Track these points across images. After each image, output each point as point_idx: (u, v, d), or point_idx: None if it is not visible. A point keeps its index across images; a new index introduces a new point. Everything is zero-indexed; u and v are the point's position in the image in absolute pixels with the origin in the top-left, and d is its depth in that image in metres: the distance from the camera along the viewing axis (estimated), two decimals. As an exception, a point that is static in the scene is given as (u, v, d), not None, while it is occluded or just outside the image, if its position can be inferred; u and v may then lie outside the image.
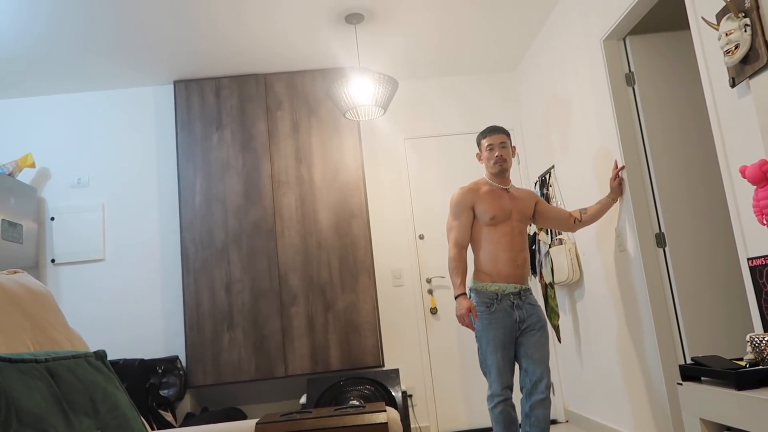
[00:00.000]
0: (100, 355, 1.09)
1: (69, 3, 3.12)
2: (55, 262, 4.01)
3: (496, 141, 2.89)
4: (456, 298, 2.74)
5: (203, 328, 3.77)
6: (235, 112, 4.05)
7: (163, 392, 3.67)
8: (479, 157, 2.98)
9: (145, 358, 3.91)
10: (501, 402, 2.70)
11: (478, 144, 2.97)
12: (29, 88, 4.09)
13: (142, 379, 3.65)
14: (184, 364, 3.88)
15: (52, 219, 4.06)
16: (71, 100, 4.24)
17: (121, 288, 4.02)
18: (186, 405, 3.93)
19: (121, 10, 3.23)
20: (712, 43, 2.21)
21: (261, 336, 3.78)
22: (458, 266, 2.78)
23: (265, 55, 3.90)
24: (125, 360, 3.68)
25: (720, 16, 2.10)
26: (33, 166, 3.95)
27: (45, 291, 1.26)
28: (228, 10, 3.32)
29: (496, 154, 2.87)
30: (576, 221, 3.02)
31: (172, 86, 4.28)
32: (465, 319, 2.71)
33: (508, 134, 2.94)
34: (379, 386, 3.58)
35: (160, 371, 3.73)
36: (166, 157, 4.22)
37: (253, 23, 3.50)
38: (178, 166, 3.96)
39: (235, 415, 3.76)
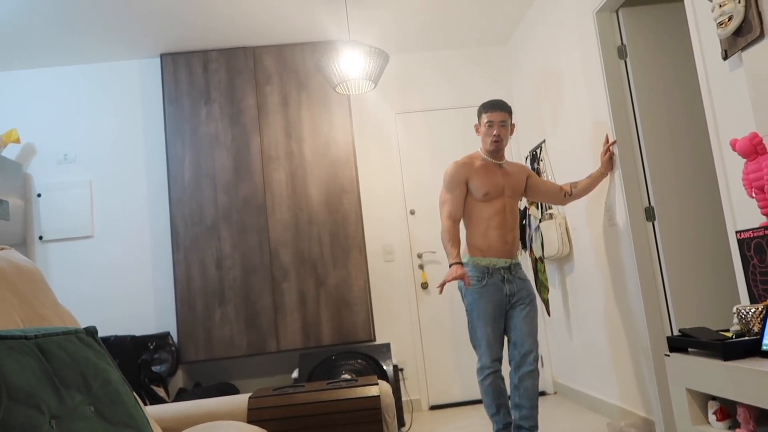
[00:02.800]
0: (91, 331, 1.09)
1: (50, -27, 3.04)
2: (43, 239, 3.97)
3: (497, 119, 2.87)
4: (451, 265, 2.74)
5: (194, 305, 3.77)
6: (224, 86, 3.99)
7: (155, 368, 3.68)
8: (477, 129, 2.95)
9: (137, 334, 3.92)
10: (491, 374, 2.74)
11: (479, 116, 2.94)
12: (11, 62, 4.00)
13: (134, 355, 3.66)
14: (175, 340, 3.89)
15: (39, 195, 4.01)
16: (56, 74, 4.15)
17: (110, 265, 4.00)
18: (178, 380, 3.96)
19: (104, -20, 3.14)
20: (705, 14, 2.20)
21: (253, 312, 3.79)
22: (452, 237, 2.77)
23: (255, 26, 3.83)
24: (116, 336, 3.69)
25: (714, -13, 2.08)
26: (18, 141, 3.88)
27: (33, 268, 1.25)
28: (214, -20, 3.25)
29: (494, 132, 2.85)
30: (567, 195, 3.03)
31: (158, 59, 4.21)
32: (451, 277, 2.66)
33: (510, 112, 2.91)
34: (370, 360, 3.61)
35: (151, 347, 3.74)
36: (153, 132, 4.16)
37: (240, -5, 3.42)
38: (166, 142, 3.91)
39: (228, 390, 3.79)
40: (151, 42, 3.91)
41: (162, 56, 4.00)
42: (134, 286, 4.00)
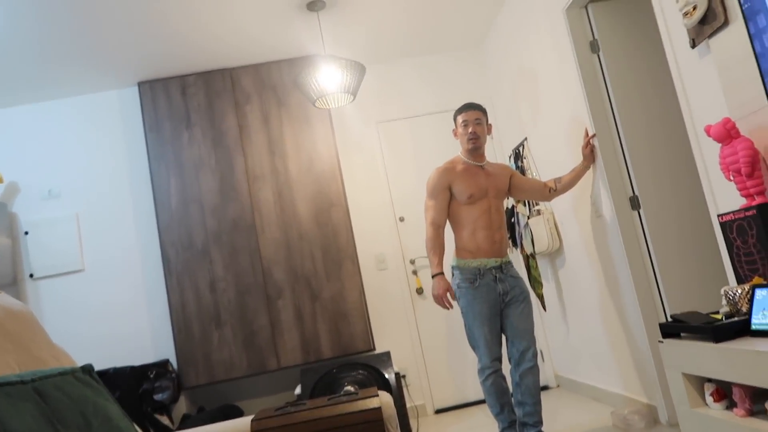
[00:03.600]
0: (87, 369, 1.09)
1: (22, 11, 3.04)
2: (34, 276, 3.95)
3: (471, 117, 2.91)
4: (433, 277, 2.77)
5: (191, 329, 3.76)
6: (204, 109, 4.00)
7: (157, 396, 3.66)
8: (455, 133, 2.99)
9: (135, 364, 3.90)
10: (491, 374, 2.76)
11: (455, 120, 2.99)
12: (-11, 102, 3.99)
13: (135, 385, 3.64)
14: (175, 366, 3.87)
15: (26, 233, 3.99)
16: (34, 110, 4.14)
17: (104, 297, 3.98)
18: (182, 407, 3.94)
19: (76, 15, 3.15)
20: (670, 5, 2.24)
21: (250, 332, 3.79)
22: (435, 246, 2.81)
23: (230, 49, 3.85)
24: (115, 369, 3.67)
25: (675, -22, 2.13)
26: (0, 181, 3.86)
27: (25, 310, 1.25)
28: (179, 6, 3.26)
29: (470, 130, 2.89)
30: (551, 191, 3.06)
31: (136, 88, 4.21)
32: (442, 299, 2.76)
33: (484, 111, 2.95)
34: (372, 370, 3.62)
35: (152, 376, 3.72)
36: (137, 161, 4.16)
37: (215, 17, 3.44)
38: (150, 169, 3.91)
39: (232, 412, 3.78)
40: (128, 71, 3.91)
41: (140, 84, 4.01)
42: (129, 316, 3.98)
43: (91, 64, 3.74)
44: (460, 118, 2.94)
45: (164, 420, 3.64)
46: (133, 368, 3.69)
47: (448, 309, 2.82)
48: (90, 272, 4.00)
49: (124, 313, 3.98)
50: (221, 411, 3.71)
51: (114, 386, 3.59)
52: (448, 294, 2.77)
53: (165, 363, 3.81)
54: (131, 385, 3.62)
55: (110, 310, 3.97)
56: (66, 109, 4.17)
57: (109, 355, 3.92)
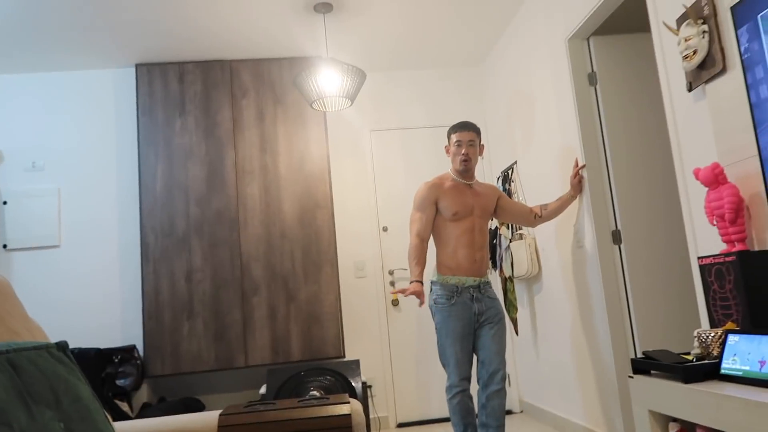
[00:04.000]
0: (62, 346, 1.07)
1: (26, -21, 3.01)
2: (7, 247, 3.87)
3: (465, 138, 2.93)
4: (411, 282, 2.78)
5: (162, 317, 3.71)
6: (199, 99, 3.98)
7: (120, 382, 3.60)
8: (447, 149, 3.01)
9: (102, 347, 3.83)
10: (459, 393, 2.76)
11: (448, 137, 3.00)
12: (-19, 66, 3.92)
13: (99, 368, 3.58)
14: (141, 353, 3.81)
15: (5, 203, 3.91)
16: (27, 81, 4.08)
17: (77, 275, 3.91)
18: (142, 395, 3.87)
19: (81, -12, 3.12)
20: (671, 47, 2.29)
21: (221, 326, 3.75)
22: (418, 255, 2.82)
23: (232, 40, 3.84)
24: (81, 349, 3.60)
25: (680, 21, 2.18)
26: (-16, 147, 3.79)
27: (3, 280, 1.23)
28: (194, -7, 3.25)
29: (463, 151, 2.91)
30: (536, 216, 3.09)
31: (133, 69, 4.17)
32: (408, 293, 2.74)
33: (478, 132, 2.98)
34: (339, 377, 3.60)
35: (116, 360, 3.66)
36: (126, 143, 4.11)
37: (222, 6, 3.43)
38: (138, 152, 3.87)
39: (193, 405, 3.73)
40: (127, 52, 3.88)
41: (137, 66, 3.97)
42: (101, 298, 3.92)
43: (90, 41, 3.70)
44: (454, 137, 2.96)
45: (124, 406, 3.58)
46: (98, 351, 3.63)
47: (421, 302, 2.78)
48: (65, 249, 3.94)
49: (95, 294, 3.91)
50: (182, 403, 3.66)
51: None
52: (414, 296, 2.77)
53: (131, 349, 3.75)
54: (95, 368, 3.55)
55: (82, 289, 3.91)
56: (60, 83, 4.11)
57: (76, 334, 3.85)
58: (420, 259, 2.82)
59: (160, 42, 3.76)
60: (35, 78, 4.09)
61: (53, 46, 3.74)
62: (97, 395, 3.51)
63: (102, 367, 3.61)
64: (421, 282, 2.78)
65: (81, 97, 4.12)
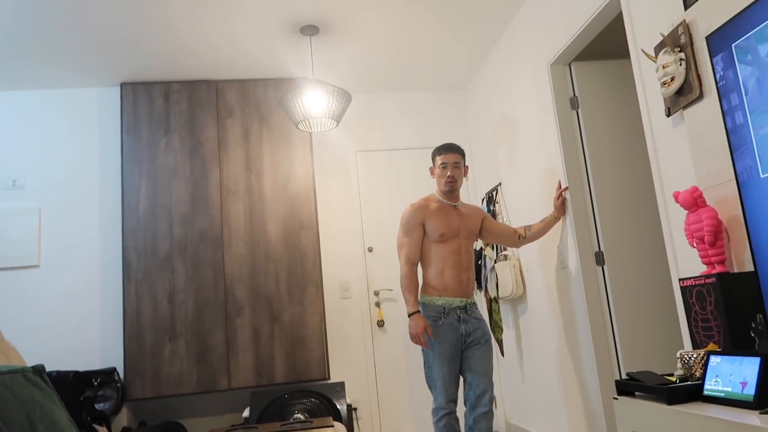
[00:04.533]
0: (39, 370, 1.05)
1: (11, -2, 3.00)
2: (-15, 267, 3.80)
3: (450, 160, 2.95)
4: (410, 315, 2.76)
5: (143, 339, 3.65)
6: (184, 118, 3.97)
7: (99, 405, 3.53)
8: (432, 171, 3.03)
9: (80, 369, 3.75)
10: (445, 415, 2.74)
11: (433, 159, 3.02)
12: (-37, 84, 3.89)
13: (77, 391, 3.50)
14: (122, 376, 3.74)
15: (-17, 222, 3.85)
16: (7, 99, 4.04)
17: (56, 296, 3.85)
18: (123, 419, 3.79)
19: (65, 4, 3.12)
20: (650, 73, 2.34)
21: (204, 348, 3.70)
22: (410, 283, 2.81)
23: (218, 61, 3.85)
24: (59, 372, 3.52)
25: (658, 49, 2.23)
26: (-36, 166, 3.74)
27: (-21, 302, 1.20)
28: (184, 12, 3.27)
29: (448, 173, 2.93)
30: (521, 237, 3.11)
31: (118, 88, 4.16)
32: (420, 338, 2.73)
33: (462, 154, 3.00)
34: (324, 399, 3.56)
35: (96, 384, 3.58)
36: (109, 162, 4.08)
37: (207, 28, 3.45)
38: (122, 171, 3.84)
39: (174, 429, 3.65)
40: (112, 71, 3.87)
41: (122, 85, 3.96)
42: (80, 319, 3.85)
43: (74, 59, 3.69)
44: (439, 159, 2.98)
45: (103, 431, 3.49)
46: (77, 373, 3.55)
47: (426, 347, 2.78)
48: (45, 269, 3.87)
49: (75, 316, 3.84)
50: (163, 427, 3.59)
51: (56, 391, 3.43)
52: (425, 332, 2.74)
53: (111, 371, 3.68)
54: (73, 391, 3.47)
55: (61, 310, 3.84)
56: (42, 101, 4.08)
57: (55, 356, 3.77)
58: (413, 287, 2.81)
59: (145, 62, 3.77)
60: (17, 95, 4.06)
61: (37, 64, 3.72)
62: (76, 420, 3.43)
63: (80, 391, 3.53)
64: (420, 311, 2.77)
65: (64, 115, 4.09)
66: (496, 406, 4.24)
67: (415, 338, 2.74)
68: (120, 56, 3.68)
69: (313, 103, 3.36)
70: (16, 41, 3.40)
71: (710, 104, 2.00)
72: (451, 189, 2.94)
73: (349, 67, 4.12)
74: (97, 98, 4.14)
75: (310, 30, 3.52)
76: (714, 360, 1.66)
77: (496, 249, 3.99)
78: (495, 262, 3.93)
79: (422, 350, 2.85)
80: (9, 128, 4.01)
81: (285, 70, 4.08)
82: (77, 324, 3.84)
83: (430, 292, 2.87)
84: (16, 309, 3.79)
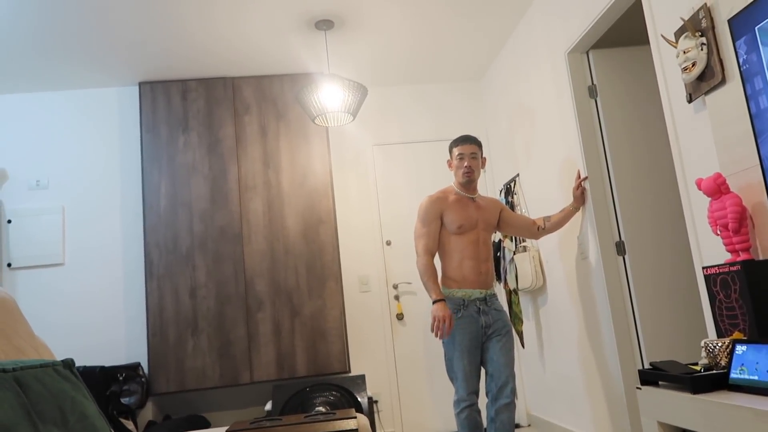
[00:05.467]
0: (68, 363, 1.08)
1: (29, 0, 3.05)
2: (12, 266, 3.88)
3: (467, 151, 2.94)
4: (434, 303, 2.74)
5: (166, 334, 3.71)
6: (202, 116, 4.01)
7: (124, 400, 3.59)
8: (450, 164, 3.02)
9: (106, 365, 3.82)
10: (467, 407, 2.74)
11: (450, 151, 3.01)
12: (-14, 87, 3.96)
13: (103, 386, 3.57)
14: (146, 371, 3.80)
15: (9, 222, 3.93)
16: (30, 100, 4.12)
17: (81, 293, 3.92)
18: (147, 413, 3.86)
19: (84, 8, 3.16)
20: (670, 59, 2.31)
21: (226, 342, 3.74)
22: (431, 272, 2.80)
23: (234, 58, 3.87)
24: (85, 367, 3.59)
25: (678, 34, 2.19)
26: (-11, 166, 3.82)
27: (9, 298, 1.23)
28: (197, 11, 3.29)
29: (465, 164, 2.92)
30: (540, 229, 3.09)
31: (137, 87, 4.21)
32: (443, 322, 2.67)
33: (479, 145, 2.99)
34: (345, 392, 3.58)
35: (121, 378, 3.65)
36: (130, 160, 4.14)
37: (222, 26, 3.47)
38: (142, 169, 3.89)
39: (199, 422, 3.71)
40: (130, 70, 3.92)
41: (140, 84, 4.01)
42: (105, 315, 3.91)
43: (93, 60, 3.74)
44: (456, 151, 2.97)
45: (129, 425, 3.56)
46: (103, 368, 3.62)
47: (444, 338, 2.74)
48: (70, 267, 3.94)
49: (99, 312, 3.91)
50: (188, 421, 3.64)
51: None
52: (445, 324, 2.69)
53: (136, 366, 3.74)
54: (99, 386, 3.54)
55: (86, 307, 3.91)
56: (63, 102, 4.15)
57: (81, 352, 3.84)
58: (433, 275, 2.79)
59: (162, 61, 3.80)
60: (40, 97, 4.13)
61: (58, 66, 3.78)
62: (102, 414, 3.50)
63: (107, 385, 3.59)
64: (443, 300, 2.74)
65: (85, 115, 4.15)
66: (517, 398, 4.23)
67: (440, 320, 2.67)
68: (137, 56, 3.72)
69: (329, 97, 3.37)
70: (37, 45, 3.46)
71: (733, 89, 1.96)
72: (469, 180, 2.93)
73: (364, 60, 4.12)
74: (117, 98, 4.19)
75: (324, 24, 3.52)
76: (740, 348, 1.64)
77: (515, 240, 3.97)
78: (514, 254, 3.91)
79: (443, 343, 2.85)
80: (32, 129, 4.08)
81: (301, 66, 4.09)
82: (102, 320, 3.91)
83: (449, 285, 2.86)
84: (43, 306, 3.87)
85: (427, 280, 2.79)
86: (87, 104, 4.17)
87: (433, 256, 2.86)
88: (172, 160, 3.92)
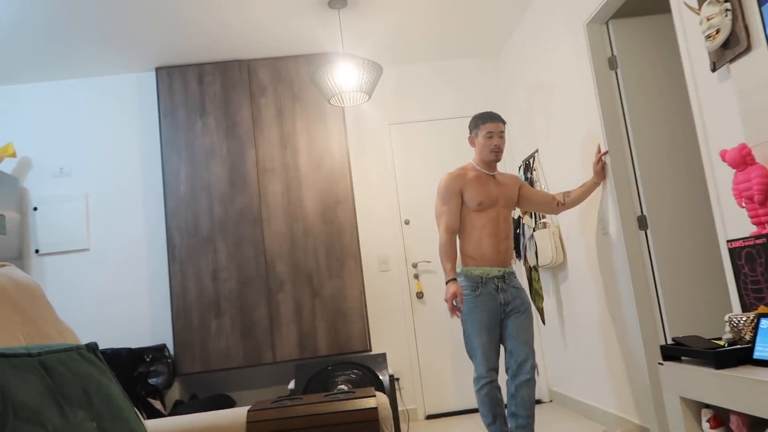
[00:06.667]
0: (92, 347, 1.10)
1: (46, -12, 3.06)
2: (39, 252, 3.97)
3: (497, 129, 2.90)
4: (447, 283, 2.77)
5: (190, 316, 3.77)
6: (219, 99, 4.02)
7: (152, 381, 3.67)
8: (471, 140, 2.97)
9: (133, 347, 3.91)
10: (487, 384, 2.75)
11: (475, 127, 2.95)
12: (8, 77, 4.01)
13: (130, 368, 3.65)
14: (172, 352, 3.88)
15: (35, 209, 4.01)
16: (52, 88, 4.17)
17: (107, 277, 4.00)
18: (175, 393, 3.95)
19: (100, -5, 3.17)
20: (693, 27, 2.24)
21: (249, 323, 3.80)
22: (449, 252, 2.80)
23: (249, 40, 3.86)
24: (113, 350, 3.68)
25: (701, 0, 2.12)
26: (14, 155, 3.89)
27: (34, 284, 1.26)
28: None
29: (495, 143, 2.89)
30: (559, 204, 3.06)
31: (154, 73, 4.23)
32: (450, 302, 2.74)
33: (505, 123, 2.95)
34: (366, 371, 3.62)
35: (148, 360, 3.73)
36: (149, 145, 4.18)
37: (236, 8, 3.45)
38: (162, 154, 3.93)
39: (224, 401, 3.79)
40: (147, 56, 3.93)
41: (157, 70, 4.03)
42: (130, 298, 4.00)
43: (111, 46, 3.76)
44: (485, 128, 2.90)
45: (157, 404, 3.65)
46: (130, 350, 3.71)
47: (456, 316, 2.79)
48: (95, 252, 4.02)
49: (125, 295, 3.99)
50: (213, 400, 3.72)
51: (110, 367, 3.60)
52: (456, 299, 2.74)
53: (162, 348, 3.82)
54: (127, 367, 3.63)
55: (112, 291, 3.99)
56: (83, 89, 4.19)
57: (108, 335, 3.94)
58: (451, 255, 2.79)
59: (178, 45, 3.81)
60: (59, 85, 4.17)
61: (75, 54, 3.81)
62: (131, 394, 3.59)
63: (134, 367, 3.68)
64: (455, 279, 2.76)
65: (104, 102, 4.19)
66: (538, 374, 4.23)
67: (450, 297, 2.73)
68: (153, 41, 3.73)
69: (344, 77, 3.35)
70: (54, 34, 3.48)
71: (760, 56, 1.90)
72: (496, 159, 2.91)
73: (378, 38, 4.08)
74: (135, 84, 4.22)
75: (338, 3, 3.48)
76: (765, 323, 1.61)
77: (535, 217, 3.93)
78: (534, 230, 3.88)
79: (462, 321, 2.85)
80: (55, 117, 4.14)
81: (315, 46, 4.06)
82: (128, 303, 3.99)
83: (468, 263, 2.85)
84: (71, 291, 3.96)
85: (443, 260, 2.80)
86: (106, 91, 4.20)
87: (454, 234, 2.84)
88: (191, 144, 3.95)
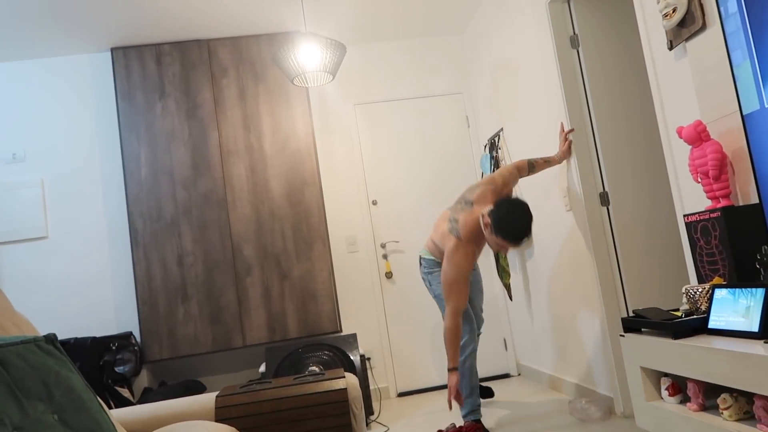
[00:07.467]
0: (51, 338, 1.07)
1: (-10, -35, 2.92)
2: (-6, 241, 3.84)
3: (514, 248, 2.91)
4: (449, 371, 2.84)
5: (156, 303, 3.71)
6: (178, 80, 3.91)
7: (119, 369, 3.62)
8: (486, 225, 2.82)
9: (98, 335, 3.84)
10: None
11: (500, 234, 2.78)
12: (-48, 58, 3.83)
13: (96, 357, 3.59)
14: (138, 339, 3.83)
15: (-12, 197, 3.86)
16: (1, 70, 3.99)
17: (67, 266, 3.90)
18: (143, 380, 3.90)
19: (48, -28, 3.03)
20: (651, 5, 2.27)
21: (217, 308, 3.76)
22: (454, 338, 2.84)
23: (208, 18, 3.76)
24: (76, 339, 3.61)
25: (659, -21, 2.15)
26: (-38, 141, 3.73)
27: (-13, 276, 1.22)
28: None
29: (506, 253, 2.96)
30: (526, 173, 3.13)
31: (109, 53, 4.09)
32: (453, 394, 2.82)
33: None
34: (337, 351, 3.63)
35: (114, 348, 3.67)
36: (107, 129, 4.05)
37: (192, -14, 3.35)
38: (120, 138, 3.82)
39: (194, 387, 3.76)
40: (101, 35, 3.80)
41: (113, 50, 3.89)
42: (93, 287, 3.91)
43: (63, 26, 3.62)
44: (507, 245, 2.80)
45: (125, 392, 3.60)
46: (94, 339, 3.64)
47: (460, 404, 2.95)
48: (54, 240, 3.91)
49: (87, 284, 3.90)
50: (183, 386, 3.69)
51: (75, 357, 3.53)
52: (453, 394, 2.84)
53: (128, 335, 3.76)
54: (92, 357, 3.56)
55: (73, 279, 3.89)
56: (35, 71, 4.03)
57: (71, 325, 3.85)
58: (456, 342, 2.84)
59: (134, 24, 3.68)
60: (10, 67, 4.00)
61: (26, 33, 3.65)
62: (98, 383, 3.53)
63: (99, 355, 3.62)
64: (457, 368, 2.84)
65: (58, 84, 4.04)
66: (506, 349, 4.32)
67: (450, 391, 2.82)
68: (108, 20, 3.60)
69: (307, 57, 3.29)
70: (3, 10, 3.33)
71: (714, 35, 1.94)
72: (497, 251, 3.11)
73: (342, 17, 4.02)
74: (89, 64, 4.08)
75: (299, -20, 3.41)
76: (719, 293, 1.67)
77: (501, 195, 3.97)
78: (500, 209, 3.92)
79: (434, 295, 3.02)
80: (5, 100, 3.97)
81: (278, 25, 3.98)
82: (90, 292, 3.90)
83: (435, 254, 3.09)
84: (29, 281, 3.85)
85: (448, 346, 2.84)
86: (59, 73, 4.05)
87: (460, 316, 2.86)
88: (151, 127, 3.85)
